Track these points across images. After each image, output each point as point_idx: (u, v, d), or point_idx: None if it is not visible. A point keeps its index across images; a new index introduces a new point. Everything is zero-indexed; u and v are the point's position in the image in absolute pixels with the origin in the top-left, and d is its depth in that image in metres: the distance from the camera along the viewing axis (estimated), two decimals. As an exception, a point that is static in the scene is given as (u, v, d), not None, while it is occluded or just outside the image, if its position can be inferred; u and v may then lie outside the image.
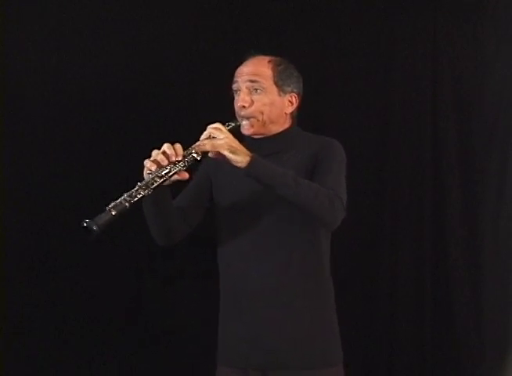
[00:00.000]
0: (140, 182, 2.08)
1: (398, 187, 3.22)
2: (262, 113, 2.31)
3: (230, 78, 3.05)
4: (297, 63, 2.40)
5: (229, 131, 2.20)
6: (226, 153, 2.11)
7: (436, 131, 3.20)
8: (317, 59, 3.13)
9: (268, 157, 2.25)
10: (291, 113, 2.38)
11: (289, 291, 2.26)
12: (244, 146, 2.16)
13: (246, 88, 2.32)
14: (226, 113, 3.16)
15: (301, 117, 2.40)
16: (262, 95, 2.31)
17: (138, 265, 3.12)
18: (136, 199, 2.04)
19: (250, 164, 2.12)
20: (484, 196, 3.16)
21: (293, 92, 2.36)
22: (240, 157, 2.11)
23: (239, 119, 2.32)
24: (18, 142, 3.05)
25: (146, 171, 2.12)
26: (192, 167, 2.29)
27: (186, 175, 2.13)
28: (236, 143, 2.13)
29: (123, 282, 3.09)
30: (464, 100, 3.18)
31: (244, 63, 2.37)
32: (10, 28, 3.02)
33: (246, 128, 2.32)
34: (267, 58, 2.36)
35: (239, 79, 2.34)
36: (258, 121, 2.31)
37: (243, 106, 2.31)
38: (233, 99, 2.37)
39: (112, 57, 3.11)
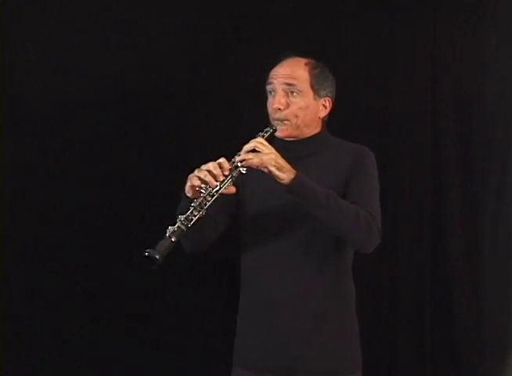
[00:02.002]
0: (190, 195, 2.10)
1: (398, 187, 3.22)
2: (297, 116, 2.30)
3: (230, 78, 3.06)
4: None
5: (266, 138, 2.20)
6: (273, 169, 2.10)
7: (436, 131, 3.20)
8: (317, 59, 3.13)
9: (299, 159, 2.25)
10: (323, 118, 2.38)
11: (314, 299, 2.25)
12: (275, 148, 2.16)
13: (283, 90, 2.30)
14: (226, 113, 3.18)
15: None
16: (298, 98, 2.30)
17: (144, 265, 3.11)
18: (193, 221, 2.05)
19: (294, 181, 2.11)
20: (484, 196, 3.16)
21: (327, 96, 2.36)
22: (285, 175, 2.11)
23: (272, 121, 2.31)
24: (18, 142, 3.04)
25: (189, 185, 2.12)
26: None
27: (233, 190, 2.13)
28: (281, 160, 2.13)
29: (128, 281, 3.08)
30: (464, 100, 3.18)
31: (280, 64, 2.34)
32: (10, 28, 3.02)
33: (280, 130, 2.30)
34: (303, 60, 2.35)
35: (275, 80, 2.32)
36: (292, 124, 2.30)
37: (279, 109, 2.29)
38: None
39: (112, 57, 3.10)
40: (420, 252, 3.19)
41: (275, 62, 2.37)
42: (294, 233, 2.27)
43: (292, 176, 2.11)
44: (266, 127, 2.28)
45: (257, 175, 2.19)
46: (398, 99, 3.22)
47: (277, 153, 2.14)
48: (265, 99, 2.39)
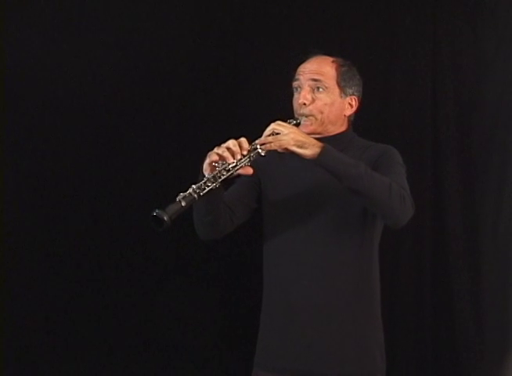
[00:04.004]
0: (207, 174, 2.07)
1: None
2: (322, 112, 2.29)
3: (230, 78, 3.05)
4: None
5: None
6: (294, 148, 2.08)
7: (436, 131, 3.20)
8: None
9: None
10: (349, 117, 2.38)
11: (339, 297, 2.24)
12: None
13: (309, 86, 2.30)
14: (226, 113, 3.18)
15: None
16: (324, 94, 2.30)
17: (148, 262, 3.12)
18: (205, 191, 2.02)
19: (320, 154, 2.08)
20: (485, 196, 3.16)
21: (353, 94, 2.36)
22: (309, 150, 2.08)
23: (297, 117, 2.30)
24: (18, 142, 3.04)
25: (207, 162, 2.09)
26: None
27: (251, 171, 2.10)
28: (302, 136, 2.10)
29: (128, 281, 3.08)
30: (464, 100, 3.18)
31: (307, 61, 2.35)
32: (10, 28, 3.02)
33: (304, 125, 2.29)
34: (330, 58, 2.35)
35: (302, 77, 2.32)
36: (317, 120, 2.29)
37: (304, 104, 2.29)
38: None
39: (112, 57, 3.10)
40: (420, 252, 3.19)
41: (301, 60, 2.37)
42: (320, 216, 2.25)
43: (318, 150, 2.08)
44: (289, 119, 2.27)
45: (276, 163, 2.18)
46: (398, 99, 3.22)
47: (297, 131, 2.12)
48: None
